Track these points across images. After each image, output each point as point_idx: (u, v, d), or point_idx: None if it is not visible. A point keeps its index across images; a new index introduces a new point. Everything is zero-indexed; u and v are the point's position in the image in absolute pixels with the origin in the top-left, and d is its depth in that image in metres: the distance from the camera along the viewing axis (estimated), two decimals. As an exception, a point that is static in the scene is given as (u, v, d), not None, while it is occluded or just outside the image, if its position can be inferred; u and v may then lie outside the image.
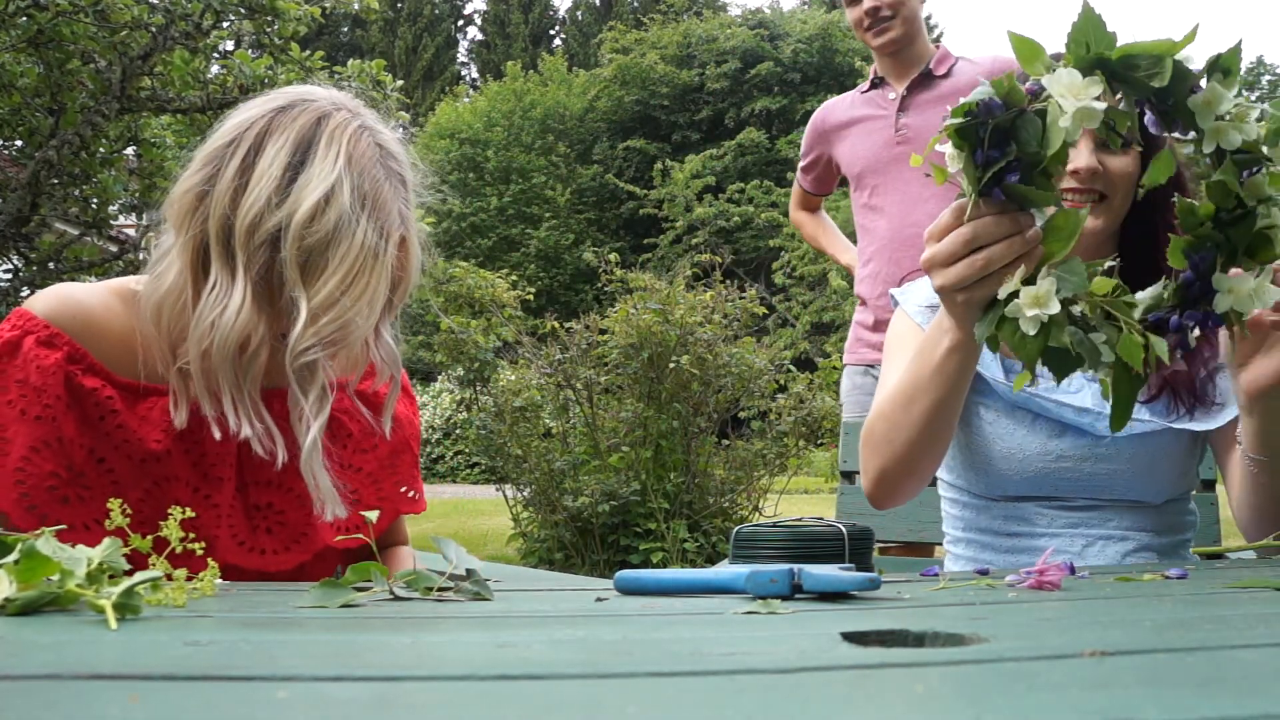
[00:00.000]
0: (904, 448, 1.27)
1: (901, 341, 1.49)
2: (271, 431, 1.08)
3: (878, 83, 2.76)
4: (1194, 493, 1.56)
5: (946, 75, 2.67)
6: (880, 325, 2.70)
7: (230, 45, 5.82)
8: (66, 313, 1.09)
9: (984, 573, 1.06)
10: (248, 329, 1.04)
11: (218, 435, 1.07)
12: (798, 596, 0.83)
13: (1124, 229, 1.43)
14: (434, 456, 15.94)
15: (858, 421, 2.26)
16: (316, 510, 1.09)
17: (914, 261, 2.59)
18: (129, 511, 0.79)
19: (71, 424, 1.07)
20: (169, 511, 1.10)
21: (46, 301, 1.10)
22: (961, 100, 0.94)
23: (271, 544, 1.17)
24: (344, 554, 1.26)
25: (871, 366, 2.71)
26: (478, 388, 6.56)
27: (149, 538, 0.78)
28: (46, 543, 0.70)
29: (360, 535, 1.20)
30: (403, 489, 1.32)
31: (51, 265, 5.24)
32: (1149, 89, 0.92)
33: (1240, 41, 0.94)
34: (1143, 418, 1.40)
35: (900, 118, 2.68)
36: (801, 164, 2.99)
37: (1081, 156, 1.37)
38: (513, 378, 6.61)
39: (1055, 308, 0.93)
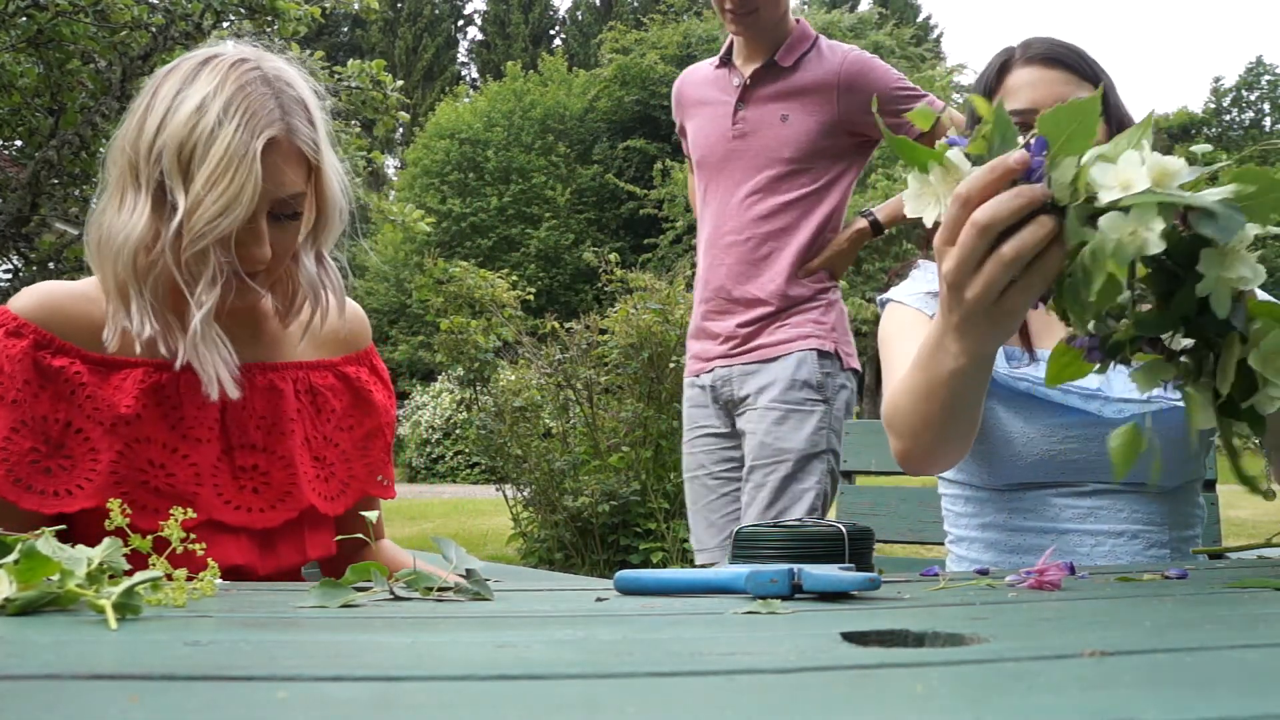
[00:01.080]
0: (926, 437, 1.19)
1: (905, 328, 1.43)
2: (173, 330, 1.20)
3: (727, 60, 2.48)
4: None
5: (793, 69, 2.39)
6: (700, 333, 2.47)
7: (230, 45, 5.81)
8: (33, 304, 1.21)
9: (984, 573, 1.06)
10: (148, 234, 1.18)
11: (138, 350, 1.19)
12: (798, 596, 0.83)
13: None
14: (434, 456, 15.93)
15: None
16: (204, 391, 1.20)
17: (721, 275, 2.40)
18: (128, 512, 0.79)
19: (45, 403, 1.19)
20: (145, 472, 1.20)
21: (18, 298, 1.23)
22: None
23: (258, 503, 1.26)
24: (329, 520, 1.34)
25: (696, 377, 2.49)
26: (478, 388, 6.56)
27: (149, 538, 0.78)
28: (46, 543, 0.70)
29: (337, 502, 1.34)
30: (375, 475, 1.40)
31: (51, 265, 5.24)
32: None
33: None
34: (1153, 394, 1.38)
35: (739, 109, 2.41)
36: (678, 129, 2.69)
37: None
38: (513, 378, 6.61)
39: (1156, 238, 0.75)
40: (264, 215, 1.20)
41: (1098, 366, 0.96)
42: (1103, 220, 0.79)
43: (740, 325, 2.39)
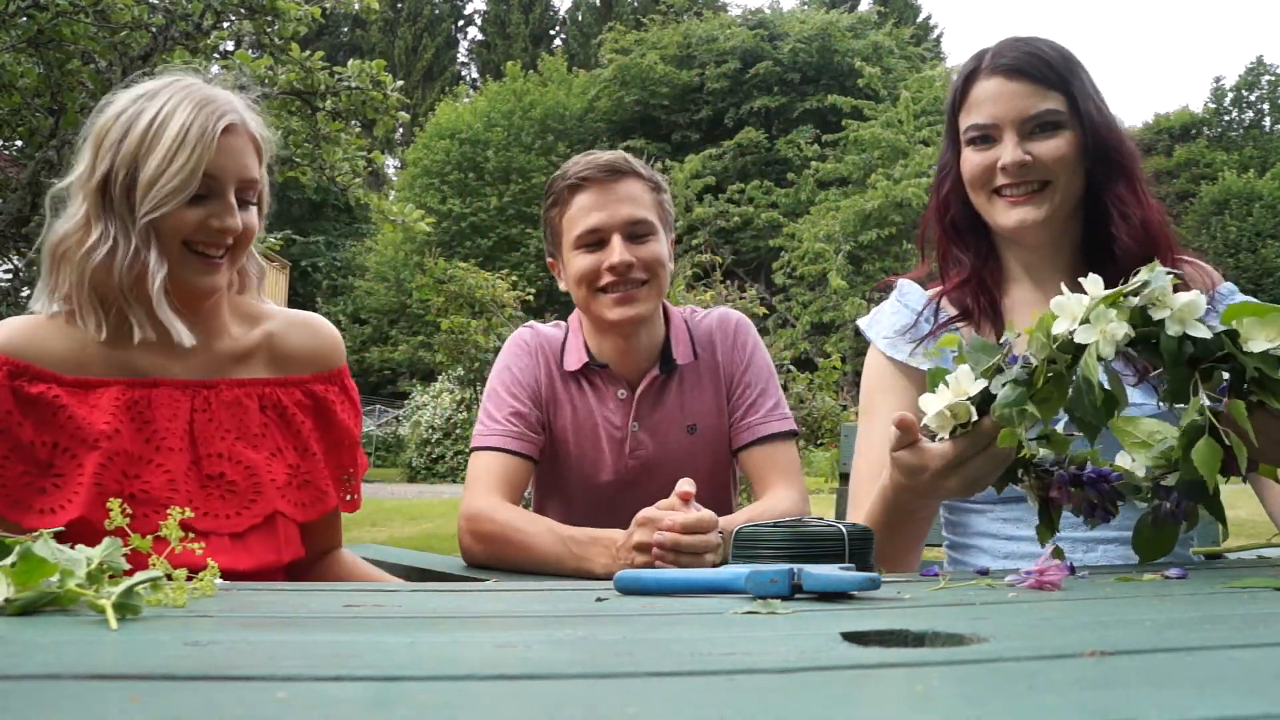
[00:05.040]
0: (888, 548, 1.30)
1: (878, 385, 1.50)
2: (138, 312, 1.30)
3: (596, 366, 1.76)
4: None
5: (686, 365, 1.78)
6: None
7: (230, 45, 5.82)
8: (4, 337, 1.28)
9: (984, 573, 1.06)
10: (92, 232, 1.30)
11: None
12: (798, 596, 0.83)
13: (1083, 211, 1.44)
14: (434, 456, 15.91)
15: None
16: (176, 341, 1.29)
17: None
18: (128, 512, 0.79)
19: (29, 429, 1.26)
20: (121, 482, 1.26)
21: None
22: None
23: (225, 509, 1.32)
24: (294, 525, 1.39)
25: None
26: (478, 388, 6.57)
27: (148, 537, 0.78)
28: (44, 545, 0.70)
29: (311, 508, 1.39)
30: (343, 490, 1.46)
31: (51, 265, 5.24)
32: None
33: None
34: (1151, 401, 1.38)
35: (633, 429, 1.75)
36: (503, 413, 1.73)
37: (1007, 151, 1.37)
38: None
39: (1121, 326, 1.00)
40: (231, 192, 1.29)
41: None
42: (1078, 333, 1.02)
43: None
